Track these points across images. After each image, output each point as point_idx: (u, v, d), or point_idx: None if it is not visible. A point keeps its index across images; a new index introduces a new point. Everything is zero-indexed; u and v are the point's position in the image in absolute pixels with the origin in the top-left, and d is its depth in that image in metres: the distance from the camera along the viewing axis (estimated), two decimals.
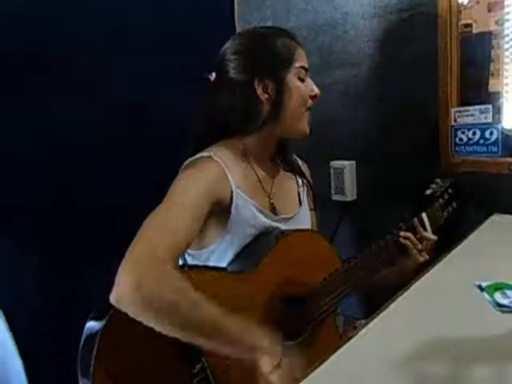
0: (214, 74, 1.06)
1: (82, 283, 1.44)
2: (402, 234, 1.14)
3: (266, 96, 1.01)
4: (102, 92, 1.55)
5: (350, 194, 1.87)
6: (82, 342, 0.78)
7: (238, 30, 2.07)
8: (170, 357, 0.80)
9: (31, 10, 1.41)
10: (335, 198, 1.90)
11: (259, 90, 1.00)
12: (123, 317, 0.72)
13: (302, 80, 1.04)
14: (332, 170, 1.89)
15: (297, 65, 1.02)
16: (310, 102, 1.06)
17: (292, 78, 1.02)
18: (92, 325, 0.77)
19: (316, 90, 1.06)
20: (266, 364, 0.78)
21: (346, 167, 1.85)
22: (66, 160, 1.48)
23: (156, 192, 0.89)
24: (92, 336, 0.75)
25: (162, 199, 0.88)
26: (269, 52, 1.01)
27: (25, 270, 1.44)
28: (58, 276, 1.50)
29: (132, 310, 0.73)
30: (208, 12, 1.95)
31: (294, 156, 1.22)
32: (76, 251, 1.49)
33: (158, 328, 0.73)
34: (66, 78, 1.48)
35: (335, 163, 1.88)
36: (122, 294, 0.72)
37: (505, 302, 0.85)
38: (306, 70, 1.05)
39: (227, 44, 1.06)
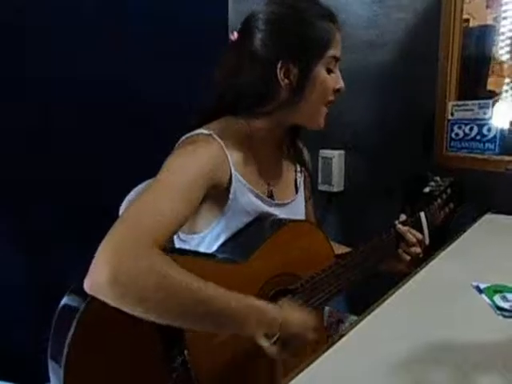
0: (235, 34, 0.93)
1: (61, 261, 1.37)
2: (411, 231, 1.08)
3: (287, 82, 0.89)
4: (95, 70, 1.49)
5: (337, 184, 1.81)
6: (56, 316, 0.69)
7: (231, 11, 1.95)
8: (150, 349, 0.73)
9: None
10: (321, 187, 1.84)
11: (280, 74, 0.88)
12: None
13: (329, 71, 0.92)
14: (320, 159, 1.83)
15: (330, 54, 0.90)
16: (331, 96, 0.94)
17: (321, 70, 0.90)
18: (71, 299, 0.69)
19: (341, 84, 0.95)
20: (265, 337, 0.74)
21: (335, 157, 1.79)
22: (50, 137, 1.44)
23: (140, 164, 0.81)
24: (70, 311, 0.67)
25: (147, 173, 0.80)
26: (303, 33, 0.88)
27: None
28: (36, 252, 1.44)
29: (110, 300, 0.64)
30: None
31: (299, 143, 1.13)
32: (57, 225, 1.45)
33: (145, 317, 0.65)
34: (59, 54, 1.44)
35: (324, 152, 1.82)
36: (97, 282, 0.63)
37: (505, 305, 0.80)
38: (337, 60, 0.93)
39: (262, 7, 0.92)
